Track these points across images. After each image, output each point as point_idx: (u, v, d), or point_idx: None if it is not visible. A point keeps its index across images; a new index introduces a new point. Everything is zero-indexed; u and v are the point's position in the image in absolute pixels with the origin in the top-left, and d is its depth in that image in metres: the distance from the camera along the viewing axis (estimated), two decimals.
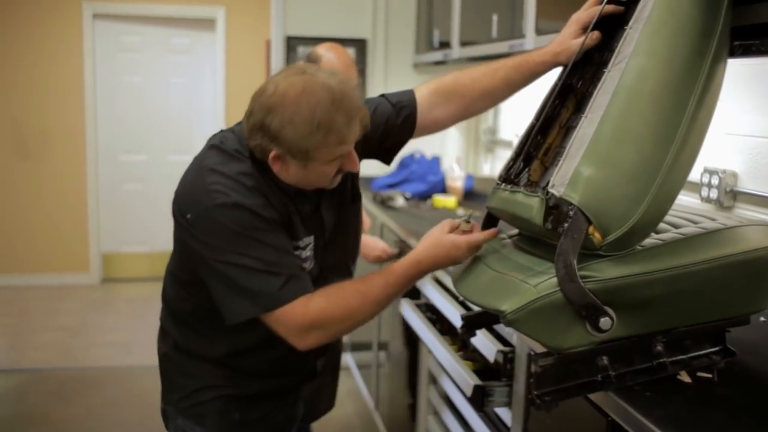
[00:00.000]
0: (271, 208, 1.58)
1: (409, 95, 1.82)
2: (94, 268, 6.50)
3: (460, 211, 3.48)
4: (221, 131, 1.73)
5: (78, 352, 4.83)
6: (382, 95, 1.86)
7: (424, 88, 1.83)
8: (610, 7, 1.53)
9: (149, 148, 6.55)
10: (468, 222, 1.61)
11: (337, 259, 1.81)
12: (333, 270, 1.78)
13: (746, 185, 2.24)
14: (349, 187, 1.81)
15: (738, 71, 2.26)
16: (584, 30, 1.59)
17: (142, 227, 6.59)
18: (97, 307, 5.85)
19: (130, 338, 5.13)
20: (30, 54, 6.16)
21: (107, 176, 6.47)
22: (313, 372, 1.90)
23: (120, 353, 4.84)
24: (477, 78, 1.78)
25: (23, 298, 5.97)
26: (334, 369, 2.37)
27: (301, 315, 1.54)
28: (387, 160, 1.91)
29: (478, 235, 1.57)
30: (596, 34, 1.55)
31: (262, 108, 1.54)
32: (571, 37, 1.62)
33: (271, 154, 1.55)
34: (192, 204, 1.59)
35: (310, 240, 1.70)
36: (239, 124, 1.67)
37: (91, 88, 6.30)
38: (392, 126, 1.81)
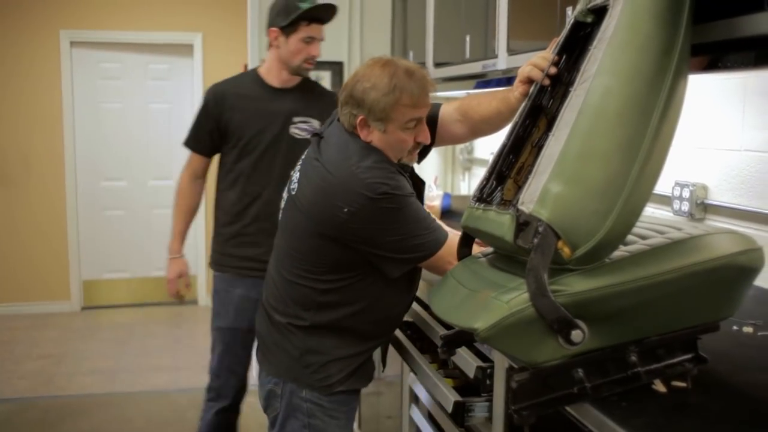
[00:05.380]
0: (408, 183, 1.92)
1: (436, 107, 2.16)
2: (75, 296, 6.47)
3: None
4: (320, 137, 2.02)
5: (61, 381, 4.80)
6: None
7: (451, 104, 2.16)
8: (539, 74, 1.69)
9: (129, 175, 6.54)
10: None
11: None
12: None
13: (716, 197, 2.29)
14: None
15: (709, 86, 2.31)
16: (520, 83, 1.81)
17: (123, 254, 6.58)
18: (79, 335, 5.82)
19: (113, 365, 5.10)
20: (8, 82, 6.15)
21: (87, 203, 6.45)
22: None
23: (104, 380, 4.81)
24: (480, 103, 2.07)
25: (4, 327, 5.93)
26: None
27: (452, 241, 1.83)
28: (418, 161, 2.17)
29: None
30: (524, 88, 1.80)
31: (351, 81, 1.91)
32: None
33: (358, 120, 1.89)
34: (352, 198, 1.84)
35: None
36: (335, 126, 1.99)
37: (70, 115, 6.29)
38: None
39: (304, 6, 2.73)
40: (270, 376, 2.10)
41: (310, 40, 2.78)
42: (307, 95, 2.92)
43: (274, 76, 2.88)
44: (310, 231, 1.94)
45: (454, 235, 1.88)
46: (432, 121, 2.09)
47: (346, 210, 1.84)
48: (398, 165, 1.94)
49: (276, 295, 2.08)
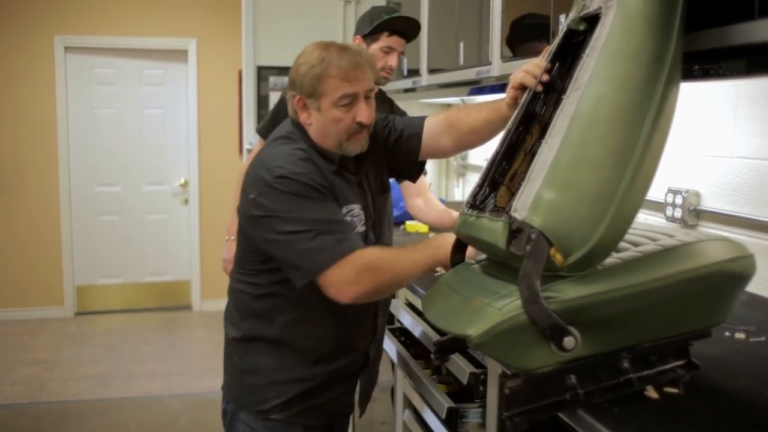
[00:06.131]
0: (320, 175, 1.80)
1: (421, 119, 2.07)
2: (69, 301, 6.46)
3: (432, 236, 3.50)
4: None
5: (54, 386, 4.78)
6: (399, 117, 2.12)
7: (436, 117, 2.06)
8: (532, 81, 1.67)
9: (123, 180, 6.54)
10: None
11: (377, 241, 1.99)
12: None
13: (709, 204, 2.30)
14: (381, 178, 2.03)
15: (701, 93, 2.32)
16: (515, 89, 1.77)
17: (117, 259, 6.57)
18: (72, 341, 5.80)
19: (106, 371, 5.09)
20: (2, 87, 6.15)
21: (81, 209, 6.44)
22: (366, 357, 2.04)
23: (97, 386, 4.80)
24: (469, 114, 1.99)
25: None
26: (378, 361, 2.26)
27: (359, 258, 1.71)
28: (411, 176, 2.17)
29: None
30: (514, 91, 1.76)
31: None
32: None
33: (296, 100, 1.85)
34: (255, 183, 1.79)
35: (356, 208, 1.90)
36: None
37: (64, 120, 6.29)
38: (401, 141, 2.04)
39: (388, 16, 2.84)
40: (224, 396, 2.05)
41: (389, 50, 2.87)
42: (383, 105, 2.98)
43: None
44: (239, 229, 1.91)
45: (369, 254, 1.74)
46: (416, 132, 2.04)
47: (251, 196, 1.78)
48: (340, 158, 1.87)
49: (227, 308, 2.03)
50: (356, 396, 2.12)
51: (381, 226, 2.03)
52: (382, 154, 2.03)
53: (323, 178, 1.80)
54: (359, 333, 1.99)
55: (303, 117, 1.86)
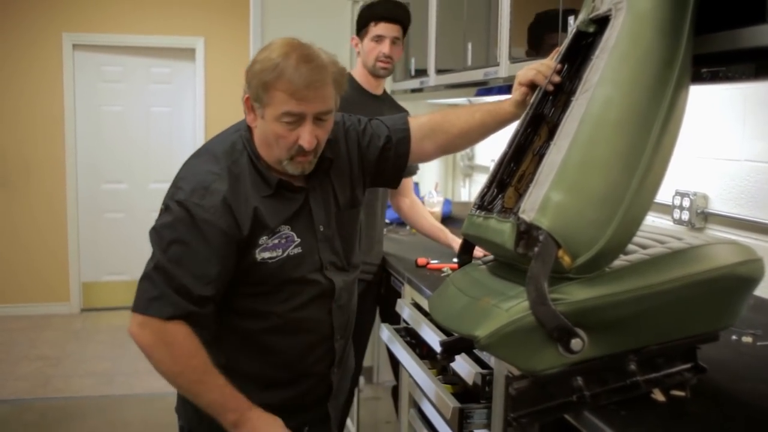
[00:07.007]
0: (223, 211, 1.66)
1: (402, 119, 1.97)
2: (74, 298, 6.47)
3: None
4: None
5: (59, 383, 4.79)
6: (377, 118, 1.99)
7: (419, 119, 1.98)
8: (543, 79, 1.66)
9: (130, 178, 6.55)
10: None
11: (335, 257, 1.88)
12: (333, 267, 1.87)
13: (716, 207, 2.29)
14: (351, 192, 1.91)
15: (710, 96, 2.32)
16: (520, 85, 1.76)
17: (123, 256, 6.58)
18: (77, 337, 5.81)
19: (111, 368, 5.10)
20: (10, 84, 6.17)
21: (88, 205, 6.46)
22: (329, 384, 1.94)
23: (101, 383, 4.81)
24: (459, 116, 1.92)
25: (3, 329, 5.93)
26: (345, 387, 2.13)
27: (157, 323, 1.66)
28: (393, 183, 2.02)
29: None
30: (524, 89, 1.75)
31: None
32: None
33: (245, 98, 1.71)
34: (165, 196, 1.73)
35: (285, 229, 1.76)
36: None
37: (72, 118, 6.30)
38: (390, 146, 1.94)
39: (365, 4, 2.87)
40: (179, 416, 2.01)
41: (380, 39, 2.87)
42: (392, 110, 2.95)
43: (364, 82, 2.98)
44: None
45: (175, 327, 1.66)
46: (405, 137, 1.94)
47: (162, 207, 1.73)
48: (279, 181, 1.75)
49: None
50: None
51: (348, 242, 1.92)
52: (357, 166, 1.92)
53: (230, 215, 1.68)
54: (314, 357, 1.88)
55: (249, 118, 1.74)
